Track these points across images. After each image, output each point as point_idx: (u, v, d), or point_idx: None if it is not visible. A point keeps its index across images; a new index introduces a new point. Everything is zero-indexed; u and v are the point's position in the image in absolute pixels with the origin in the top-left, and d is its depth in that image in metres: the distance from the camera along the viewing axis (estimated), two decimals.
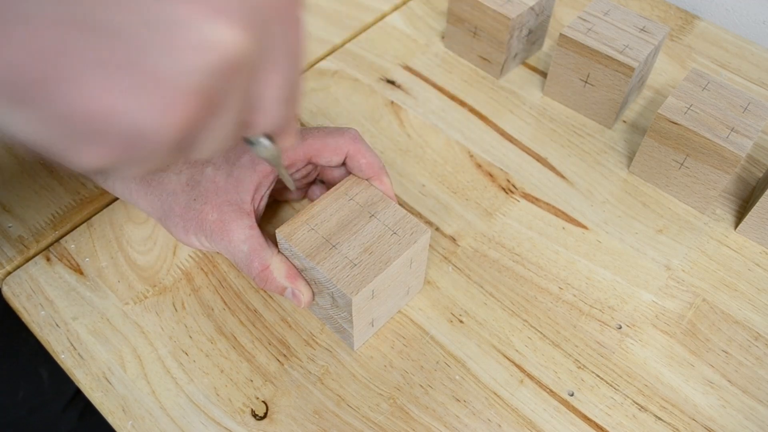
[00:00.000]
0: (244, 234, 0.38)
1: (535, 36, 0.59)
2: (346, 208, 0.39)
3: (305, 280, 0.38)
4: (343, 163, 0.41)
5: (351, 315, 0.37)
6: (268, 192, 0.40)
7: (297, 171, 0.42)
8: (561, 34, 0.51)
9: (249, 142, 0.28)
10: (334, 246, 0.37)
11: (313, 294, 0.39)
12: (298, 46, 0.22)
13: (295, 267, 0.38)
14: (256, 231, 0.38)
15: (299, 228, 0.38)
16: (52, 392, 0.76)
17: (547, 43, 0.62)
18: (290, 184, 0.37)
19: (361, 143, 0.40)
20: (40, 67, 0.16)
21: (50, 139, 0.18)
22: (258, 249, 0.38)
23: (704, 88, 0.48)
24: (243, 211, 0.38)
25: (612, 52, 0.50)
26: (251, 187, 0.39)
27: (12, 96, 0.17)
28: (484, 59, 0.58)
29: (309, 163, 0.41)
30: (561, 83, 0.55)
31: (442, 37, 0.62)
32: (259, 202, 0.40)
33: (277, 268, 0.38)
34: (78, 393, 0.75)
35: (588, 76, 0.52)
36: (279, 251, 0.39)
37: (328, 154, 0.40)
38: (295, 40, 0.22)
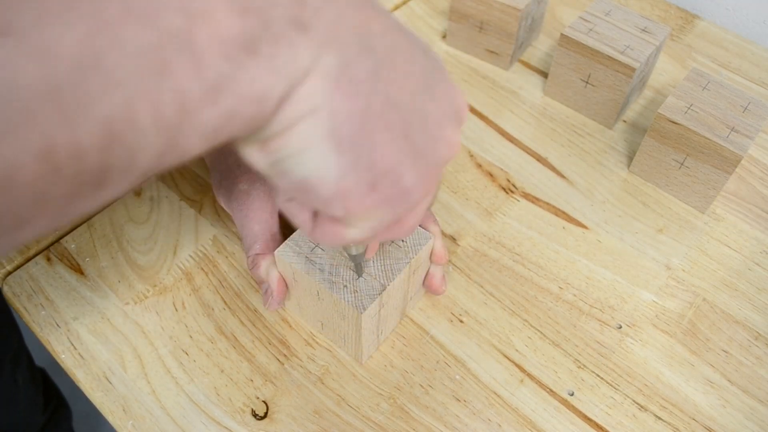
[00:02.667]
0: (262, 216, 0.39)
1: (535, 23, 0.60)
2: None
3: (284, 288, 0.39)
4: None
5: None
6: None
7: None
8: (562, 35, 0.51)
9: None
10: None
11: (282, 302, 0.40)
12: None
13: (284, 278, 0.39)
14: (275, 220, 0.40)
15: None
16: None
17: (546, 42, 0.62)
18: (359, 272, 0.36)
19: None
20: (363, 122, 0.21)
21: (343, 183, 0.22)
22: (267, 235, 0.39)
23: (704, 88, 0.48)
24: (271, 196, 0.39)
25: (613, 52, 0.50)
26: None
27: (338, 141, 0.21)
28: (492, 52, 0.58)
29: None
30: (562, 83, 0.55)
31: (443, 36, 0.62)
32: None
33: (269, 263, 0.39)
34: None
35: (589, 76, 0.52)
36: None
37: None
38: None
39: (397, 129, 0.22)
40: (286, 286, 0.39)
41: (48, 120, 0.16)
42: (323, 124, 0.21)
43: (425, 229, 0.39)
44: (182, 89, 0.18)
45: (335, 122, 0.21)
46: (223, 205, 0.42)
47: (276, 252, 0.37)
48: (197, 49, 0.18)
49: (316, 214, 0.26)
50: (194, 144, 0.19)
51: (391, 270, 0.36)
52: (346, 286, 0.35)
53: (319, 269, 0.36)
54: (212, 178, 0.43)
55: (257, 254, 0.39)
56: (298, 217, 0.26)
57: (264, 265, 0.39)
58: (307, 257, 0.36)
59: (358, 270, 0.36)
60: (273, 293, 0.39)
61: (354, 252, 0.34)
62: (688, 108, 0.46)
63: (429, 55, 0.25)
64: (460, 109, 0.26)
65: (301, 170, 0.22)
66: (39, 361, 0.77)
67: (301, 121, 0.21)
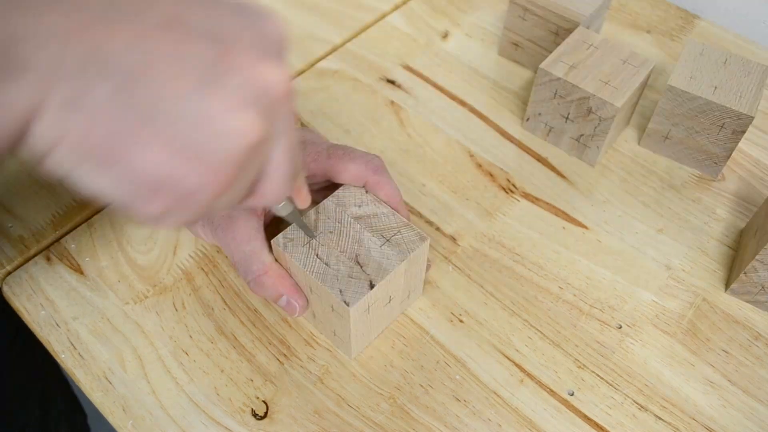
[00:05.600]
0: (248, 234, 0.38)
1: None
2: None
3: (300, 289, 0.38)
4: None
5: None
6: None
7: (315, 183, 0.42)
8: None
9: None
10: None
11: (308, 303, 0.39)
12: (293, 130, 0.28)
13: (290, 276, 0.38)
14: (261, 235, 0.38)
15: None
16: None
17: None
18: (310, 234, 0.37)
19: (381, 175, 0.39)
20: (113, 143, 0.23)
21: (122, 195, 0.24)
22: (259, 252, 0.38)
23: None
24: (253, 212, 0.39)
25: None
26: None
27: (96, 162, 0.23)
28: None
29: (327, 180, 0.41)
30: None
31: (444, 36, 0.62)
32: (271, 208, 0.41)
33: (275, 275, 0.38)
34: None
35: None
36: (276, 259, 0.39)
37: (347, 178, 0.40)
38: (291, 126, 0.27)
39: (162, 138, 0.23)
40: (300, 289, 0.39)
41: None
42: (75, 149, 0.23)
43: (376, 195, 0.39)
44: None
45: (86, 146, 0.23)
46: (208, 238, 0.42)
47: (272, 241, 0.37)
48: None
49: None
50: None
51: (384, 267, 0.36)
52: (338, 279, 0.36)
53: (313, 262, 0.36)
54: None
55: (258, 275, 0.38)
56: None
57: (269, 282, 0.38)
58: (301, 250, 0.37)
59: (307, 232, 0.37)
60: (294, 300, 0.38)
61: (283, 213, 0.35)
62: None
63: (219, 30, 0.24)
64: (263, 83, 0.25)
65: (85, 186, 0.24)
66: None
67: (55, 148, 0.23)
